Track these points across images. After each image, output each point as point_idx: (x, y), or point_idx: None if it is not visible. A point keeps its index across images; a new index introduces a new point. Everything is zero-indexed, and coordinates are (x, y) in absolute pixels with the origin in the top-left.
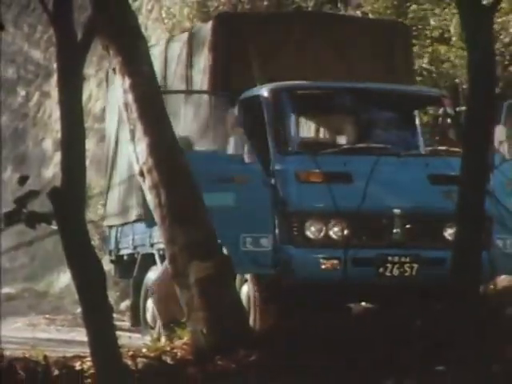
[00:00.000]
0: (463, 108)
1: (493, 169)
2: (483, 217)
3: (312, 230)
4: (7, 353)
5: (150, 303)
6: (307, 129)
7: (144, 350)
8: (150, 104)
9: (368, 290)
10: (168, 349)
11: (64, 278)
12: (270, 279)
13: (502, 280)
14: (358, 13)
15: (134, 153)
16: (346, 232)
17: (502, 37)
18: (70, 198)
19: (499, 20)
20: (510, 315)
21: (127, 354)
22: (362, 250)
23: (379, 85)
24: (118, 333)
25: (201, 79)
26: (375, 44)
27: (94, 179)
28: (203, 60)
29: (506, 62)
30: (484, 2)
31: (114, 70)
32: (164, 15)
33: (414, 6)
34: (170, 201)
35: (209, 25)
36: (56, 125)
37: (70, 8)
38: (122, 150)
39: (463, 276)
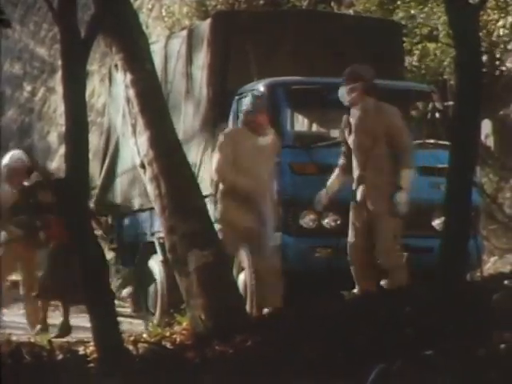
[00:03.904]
0: (451, 103)
1: None
2: (470, 207)
3: (306, 220)
4: (14, 338)
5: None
6: (301, 123)
7: (145, 336)
8: (151, 99)
9: None
10: (168, 334)
11: None
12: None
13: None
14: (351, 11)
15: (135, 146)
16: (338, 222)
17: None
18: (73, 188)
19: (485, 18)
20: (497, 301)
21: (128, 339)
22: None
23: None
24: (120, 319)
25: (200, 76)
26: (369, 41)
27: (96, 171)
28: (202, 57)
29: (497, 62)
30: (470, 1)
31: (116, 66)
32: (164, 14)
33: (403, 5)
34: (170, 192)
35: (207, 22)
36: (61, 119)
37: (74, 7)
38: (124, 142)
39: (451, 263)
